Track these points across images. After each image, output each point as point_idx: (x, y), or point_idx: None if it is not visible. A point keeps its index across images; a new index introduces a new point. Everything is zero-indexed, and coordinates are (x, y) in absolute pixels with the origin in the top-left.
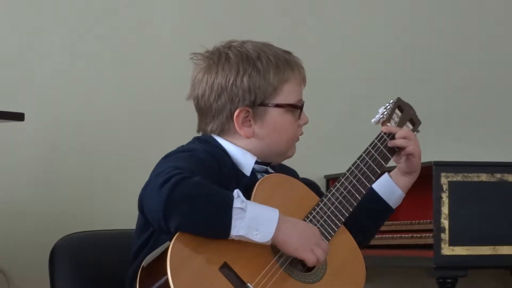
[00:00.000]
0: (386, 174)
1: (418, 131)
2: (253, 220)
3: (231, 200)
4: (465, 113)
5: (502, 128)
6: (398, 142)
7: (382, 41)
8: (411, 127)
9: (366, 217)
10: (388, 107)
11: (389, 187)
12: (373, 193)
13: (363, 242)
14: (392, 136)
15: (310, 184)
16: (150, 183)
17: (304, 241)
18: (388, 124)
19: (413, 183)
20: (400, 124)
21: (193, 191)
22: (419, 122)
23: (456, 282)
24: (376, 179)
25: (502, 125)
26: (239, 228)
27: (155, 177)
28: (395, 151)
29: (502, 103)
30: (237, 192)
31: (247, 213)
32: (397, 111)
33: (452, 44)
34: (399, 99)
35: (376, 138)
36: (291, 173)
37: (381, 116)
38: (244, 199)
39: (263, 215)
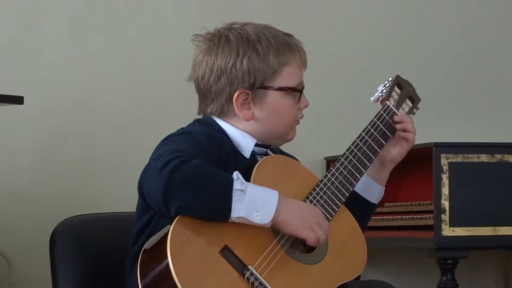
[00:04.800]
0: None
1: (418, 108)
2: (253, 201)
3: (230, 182)
4: (465, 94)
5: (502, 108)
6: (409, 123)
7: (380, 20)
8: (410, 104)
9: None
10: (387, 85)
11: (366, 183)
12: (352, 192)
13: None
14: (392, 114)
15: None
16: (150, 166)
17: (305, 221)
18: (387, 102)
19: (410, 166)
20: (400, 102)
21: (192, 174)
22: (419, 99)
23: (456, 263)
24: (376, 157)
25: (502, 106)
26: (239, 210)
27: (154, 161)
28: (395, 129)
29: (502, 84)
30: (236, 174)
31: (247, 195)
32: (396, 88)
33: (453, 25)
34: (398, 77)
35: (375, 117)
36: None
37: (380, 94)
38: (243, 180)
39: (263, 196)
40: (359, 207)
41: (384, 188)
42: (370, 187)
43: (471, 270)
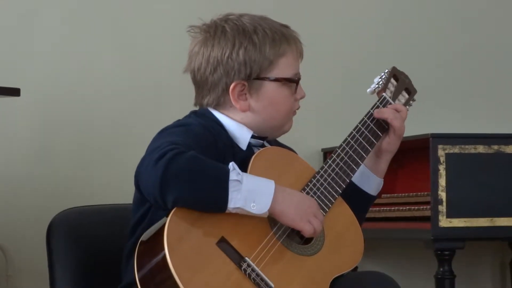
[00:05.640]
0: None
1: (414, 100)
2: (250, 191)
3: (227, 172)
4: (463, 85)
5: (499, 100)
6: (386, 111)
7: (378, 11)
8: (407, 96)
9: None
10: (383, 77)
11: (364, 175)
12: (350, 184)
13: None
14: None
15: None
16: (146, 159)
17: (302, 212)
18: (384, 94)
19: (407, 157)
20: (396, 93)
21: (188, 165)
22: (415, 91)
23: (453, 254)
24: (372, 149)
25: (499, 97)
26: (236, 200)
27: (150, 153)
28: None
29: (499, 74)
30: (232, 165)
31: (243, 185)
32: (392, 80)
33: (451, 17)
34: (394, 68)
35: (371, 108)
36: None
37: (377, 85)
38: (239, 171)
39: (259, 186)
40: (357, 199)
41: (382, 180)
42: (367, 178)
43: (468, 261)
